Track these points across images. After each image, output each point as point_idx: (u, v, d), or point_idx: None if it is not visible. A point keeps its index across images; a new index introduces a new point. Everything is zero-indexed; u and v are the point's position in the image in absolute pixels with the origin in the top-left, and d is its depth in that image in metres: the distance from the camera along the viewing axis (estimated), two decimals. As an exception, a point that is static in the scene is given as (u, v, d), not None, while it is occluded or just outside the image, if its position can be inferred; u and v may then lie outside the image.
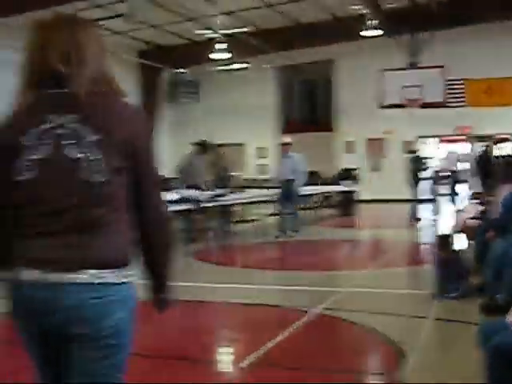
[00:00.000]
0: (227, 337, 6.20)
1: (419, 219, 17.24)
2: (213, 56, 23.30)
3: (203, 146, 14.24)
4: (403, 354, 5.15)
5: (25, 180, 2.18)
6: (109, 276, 2.18)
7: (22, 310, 2.23)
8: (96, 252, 2.17)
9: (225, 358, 5.41)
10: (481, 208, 10.30)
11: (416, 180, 17.77)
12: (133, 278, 2.31)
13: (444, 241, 7.64)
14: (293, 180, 13.61)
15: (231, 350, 5.75)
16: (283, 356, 5.28)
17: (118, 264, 2.22)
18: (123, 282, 2.25)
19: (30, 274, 2.16)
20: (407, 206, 19.65)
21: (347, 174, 21.56)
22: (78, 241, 2.15)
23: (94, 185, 2.16)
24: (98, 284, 2.16)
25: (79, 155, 2.17)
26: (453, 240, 8.16)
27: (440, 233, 10.01)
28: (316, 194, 20.51)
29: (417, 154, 18.69)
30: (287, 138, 14.09)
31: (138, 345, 5.27)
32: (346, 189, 20.24)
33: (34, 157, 2.18)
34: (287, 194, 13.69)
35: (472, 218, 9.98)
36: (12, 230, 2.23)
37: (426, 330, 6.01)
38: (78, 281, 2.13)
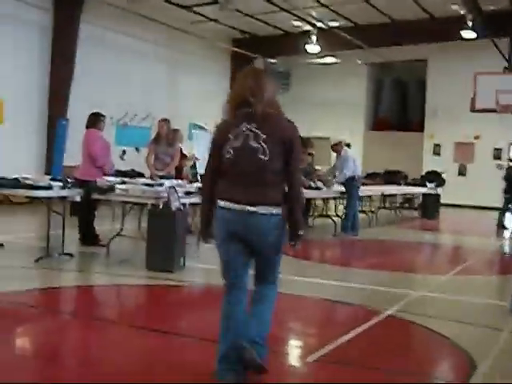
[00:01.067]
0: (296, 330, 6.20)
1: (506, 228, 16.82)
2: (306, 48, 23.30)
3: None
4: (473, 364, 5.05)
5: (229, 156, 4.14)
6: (272, 210, 4.12)
7: (224, 225, 4.20)
8: (265, 197, 4.11)
9: (293, 352, 5.40)
10: None
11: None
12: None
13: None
14: (351, 178, 13.44)
15: (300, 343, 5.74)
16: (350, 354, 5.24)
17: (276, 204, 4.14)
18: (278, 214, 4.14)
19: (229, 205, 4.13)
20: (492, 214, 19.20)
21: (433, 177, 21.18)
22: (256, 190, 4.10)
23: (264, 161, 4.07)
24: (267, 214, 4.10)
25: (256, 145, 4.10)
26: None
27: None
28: (399, 195, 20.31)
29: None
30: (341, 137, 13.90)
31: (206, 329, 5.31)
32: (430, 191, 19.89)
33: (234, 145, 4.13)
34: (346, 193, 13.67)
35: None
36: (218, 183, 4.23)
37: (501, 342, 5.86)
38: (255, 210, 4.08)
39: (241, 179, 4.13)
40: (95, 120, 10.34)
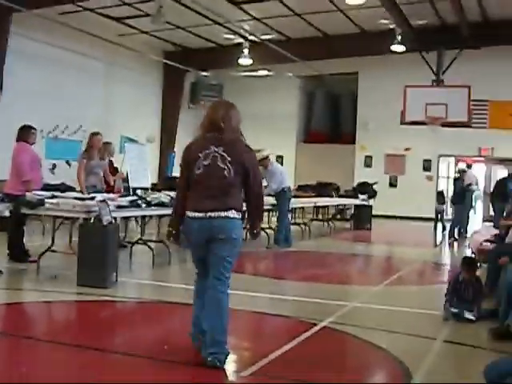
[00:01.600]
0: (230, 344, 6.14)
1: (456, 239, 16.99)
2: (238, 61, 23.40)
3: None
4: (408, 374, 5.08)
5: (199, 173, 5.05)
6: (232, 214, 5.02)
7: (190, 230, 5.11)
8: (227, 204, 5.00)
9: (228, 366, 5.33)
10: (495, 231, 10.22)
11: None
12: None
13: (469, 262, 7.56)
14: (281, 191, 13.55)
15: (234, 358, 5.68)
16: (286, 368, 5.21)
17: (236, 209, 5.05)
18: (237, 218, 5.06)
19: (196, 214, 5.03)
20: (423, 224, 19.52)
21: (364, 188, 21.42)
22: (220, 199, 4.99)
23: (227, 177, 4.99)
24: (228, 217, 5.00)
25: (222, 165, 5.01)
26: (477, 262, 8.09)
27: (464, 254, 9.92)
28: (331, 206, 20.49)
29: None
30: (266, 152, 13.94)
31: (140, 345, 5.22)
32: (362, 202, 20.11)
33: (204, 163, 5.04)
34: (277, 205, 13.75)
35: (486, 241, 9.90)
36: (187, 195, 5.16)
37: (434, 351, 5.92)
38: (221, 215, 4.97)
39: (207, 192, 5.04)
40: (25, 133, 10.11)
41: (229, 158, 5.03)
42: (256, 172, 5.24)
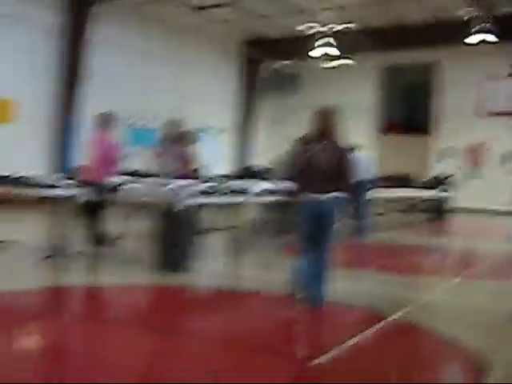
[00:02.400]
0: (302, 333, 6.13)
1: None
2: (316, 51, 23.22)
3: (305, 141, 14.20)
4: (482, 371, 4.96)
5: (309, 164, 6.50)
6: (338, 195, 6.50)
7: (305, 207, 6.56)
8: (334, 187, 6.45)
9: (299, 354, 5.32)
10: None
11: None
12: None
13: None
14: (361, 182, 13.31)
15: (306, 346, 5.66)
16: (357, 359, 5.16)
17: (341, 191, 6.51)
18: (339, 197, 6.48)
19: (310, 195, 6.50)
20: (502, 218, 19.05)
21: (442, 180, 21.07)
22: (328, 183, 6.44)
23: (331, 165, 6.45)
24: (332, 198, 6.47)
25: (325, 155, 6.45)
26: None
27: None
28: (409, 198, 20.20)
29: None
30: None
31: (213, 331, 5.25)
32: (439, 195, 19.77)
33: (314, 156, 6.48)
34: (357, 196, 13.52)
35: None
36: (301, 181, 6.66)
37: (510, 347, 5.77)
38: (328, 197, 6.45)
39: (316, 177, 6.53)
40: (105, 120, 10.27)
41: (329, 151, 6.53)
42: (346, 162, 6.65)
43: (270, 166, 14.12)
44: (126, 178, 9.72)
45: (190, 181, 9.94)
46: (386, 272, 9.71)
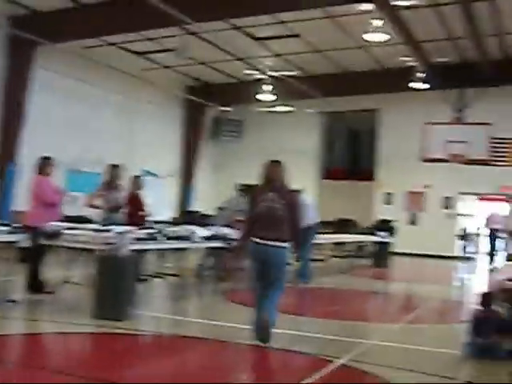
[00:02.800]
0: (244, 380, 6.05)
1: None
2: (259, 97, 23.50)
3: (247, 189, 14.36)
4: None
5: (260, 211, 7.12)
6: (284, 244, 7.07)
7: (254, 253, 7.12)
8: (280, 235, 7.04)
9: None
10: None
11: None
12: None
13: (486, 298, 7.42)
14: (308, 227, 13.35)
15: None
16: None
17: (286, 240, 7.10)
18: (286, 247, 7.12)
19: (258, 240, 7.04)
20: (443, 262, 19.28)
21: (384, 225, 21.28)
22: (275, 231, 7.02)
23: (281, 215, 7.06)
24: (280, 247, 7.05)
25: (277, 206, 7.08)
26: (493, 298, 7.94)
27: (480, 290, 9.75)
28: (351, 243, 20.33)
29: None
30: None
31: (153, 379, 5.12)
32: (381, 240, 19.94)
33: (264, 204, 7.11)
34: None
35: (509, 280, 9.73)
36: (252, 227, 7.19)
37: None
38: (276, 244, 7.01)
39: (266, 225, 7.09)
40: (43, 165, 10.14)
41: (281, 201, 7.13)
42: (297, 207, 7.51)
43: (210, 212, 14.13)
44: (66, 223, 9.55)
45: (132, 226, 9.84)
46: (328, 318, 9.70)
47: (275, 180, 7.27)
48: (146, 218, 12.71)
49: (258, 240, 7.07)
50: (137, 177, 12.87)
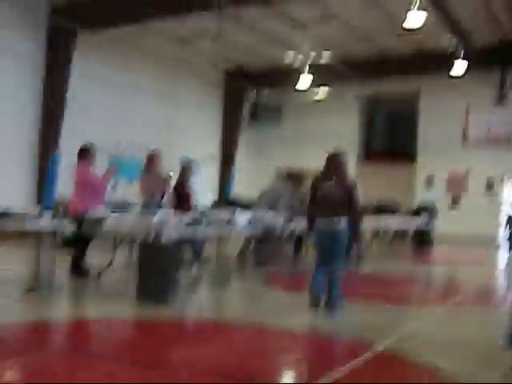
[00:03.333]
0: (288, 364, 6.09)
1: None
2: (298, 82, 23.40)
3: (289, 176, 14.40)
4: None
5: (321, 195, 8.28)
6: (342, 220, 8.16)
7: (317, 230, 8.34)
8: (343, 215, 8.16)
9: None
10: None
11: None
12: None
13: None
14: None
15: (291, 378, 5.62)
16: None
17: (343, 217, 8.19)
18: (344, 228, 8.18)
19: (322, 220, 8.26)
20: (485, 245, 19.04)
21: (426, 208, 21.11)
22: (338, 212, 8.14)
23: (339, 199, 8.16)
24: (340, 222, 8.14)
25: (335, 192, 8.18)
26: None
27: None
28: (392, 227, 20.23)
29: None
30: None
31: (198, 363, 5.22)
32: (425, 222, 19.81)
33: (323, 191, 8.27)
34: None
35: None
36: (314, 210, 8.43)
37: (497, 377, 5.74)
38: (335, 220, 8.14)
39: (327, 207, 8.25)
40: (86, 153, 10.27)
41: (337, 188, 8.23)
42: (354, 193, 8.35)
43: (251, 198, 14.14)
44: (110, 209, 9.67)
45: (176, 213, 9.91)
46: (372, 302, 9.69)
47: (335, 169, 8.34)
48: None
49: (324, 220, 8.26)
50: (187, 165, 12.70)
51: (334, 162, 8.40)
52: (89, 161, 10.23)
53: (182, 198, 11.87)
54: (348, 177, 8.43)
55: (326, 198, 8.24)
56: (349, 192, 8.25)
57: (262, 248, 13.21)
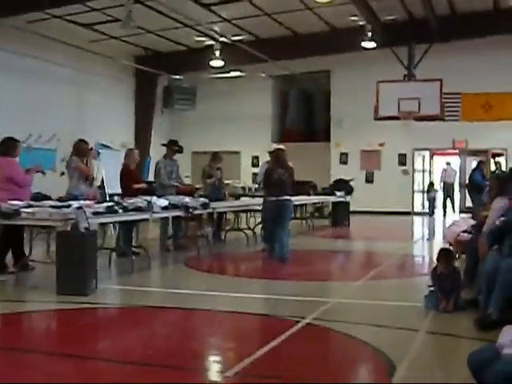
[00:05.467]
0: (214, 345, 6.14)
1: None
2: (210, 64, 23.38)
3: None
4: (392, 366, 5.10)
5: (276, 179, 11.51)
6: (288, 197, 11.62)
7: (268, 205, 11.72)
8: (286, 191, 11.55)
9: (211, 367, 5.33)
10: (472, 222, 10.28)
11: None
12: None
13: (446, 254, 7.56)
14: None
15: (218, 358, 5.68)
16: (270, 366, 5.23)
17: (290, 194, 11.80)
18: (290, 199, 11.78)
19: (272, 197, 11.54)
20: (400, 218, 19.47)
21: (341, 185, 21.46)
22: (285, 191, 11.53)
23: (287, 182, 11.58)
24: (288, 200, 11.64)
25: (284, 177, 11.57)
26: (454, 254, 8.11)
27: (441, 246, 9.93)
28: (309, 204, 20.49)
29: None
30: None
31: (125, 351, 5.22)
32: (339, 199, 20.15)
33: (275, 175, 11.57)
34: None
35: (464, 232, 9.97)
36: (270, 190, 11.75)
37: (417, 342, 5.96)
38: (283, 198, 11.46)
39: (276, 187, 11.35)
40: (9, 146, 10.03)
41: (285, 173, 11.48)
42: (292, 175, 11.74)
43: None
44: (26, 201, 9.47)
45: (91, 201, 9.81)
46: (292, 279, 9.83)
47: (282, 160, 11.66)
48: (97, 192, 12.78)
49: (274, 198, 11.36)
50: (130, 149, 13.11)
51: (281, 156, 11.72)
52: (14, 154, 10.01)
53: (128, 183, 12.12)
54: (289, 165, 11.67)
55: (280, 180, 11.37)
56: (292, 176, 11.64)
57: (182, 231, 13.24)
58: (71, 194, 10.73)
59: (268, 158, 13.25)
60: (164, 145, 14.05)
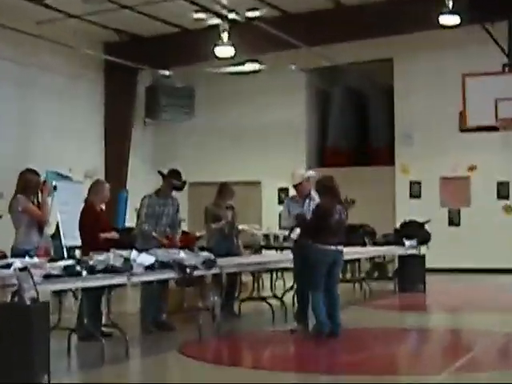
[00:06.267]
0: None
1: None
2: (214, 52, 23.34)
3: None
4: None
5: (333, 221, 12.10)
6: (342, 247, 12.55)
7: (319, 258, 12.03)
8: (342, 239, 12.47)
9: None
10: None
11: None
12: None
13: None
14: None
15: None
16: None
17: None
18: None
19: (328, 246, 12.07)
20: (500, 278, 19.37)
21: (412, 230, 21.37)
22: (340, 236, 12.36)
23: (344, 221, 12.50)
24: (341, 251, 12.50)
25: (342, 216, 12.38)
26: None
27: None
28: (364, 259, 20.39)
29: None
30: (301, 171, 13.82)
31: None
32: (410, 251, 20.06)
33: (336, 217, 12.16)
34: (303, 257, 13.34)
35: None
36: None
37: None
38: (340, 248, 12.36)
39: (336, 232, 12.11)
40: None
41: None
42: None
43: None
44: None
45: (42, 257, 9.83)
46: (343, 373, 9.78)
47: (337, 192, 11.94)
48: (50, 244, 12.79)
49: (333, 247, 11.95)
50: (97, 181, 13.31)
51: (334, 185, 12.04)
52: None
53: (93, 231, 12.07)
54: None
55: (339, 223, 11.99)
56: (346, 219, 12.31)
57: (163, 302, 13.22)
58: (21, 250, 10.75)
59: (293, 193, 13.20)
60: (161, 173, 13.82)
